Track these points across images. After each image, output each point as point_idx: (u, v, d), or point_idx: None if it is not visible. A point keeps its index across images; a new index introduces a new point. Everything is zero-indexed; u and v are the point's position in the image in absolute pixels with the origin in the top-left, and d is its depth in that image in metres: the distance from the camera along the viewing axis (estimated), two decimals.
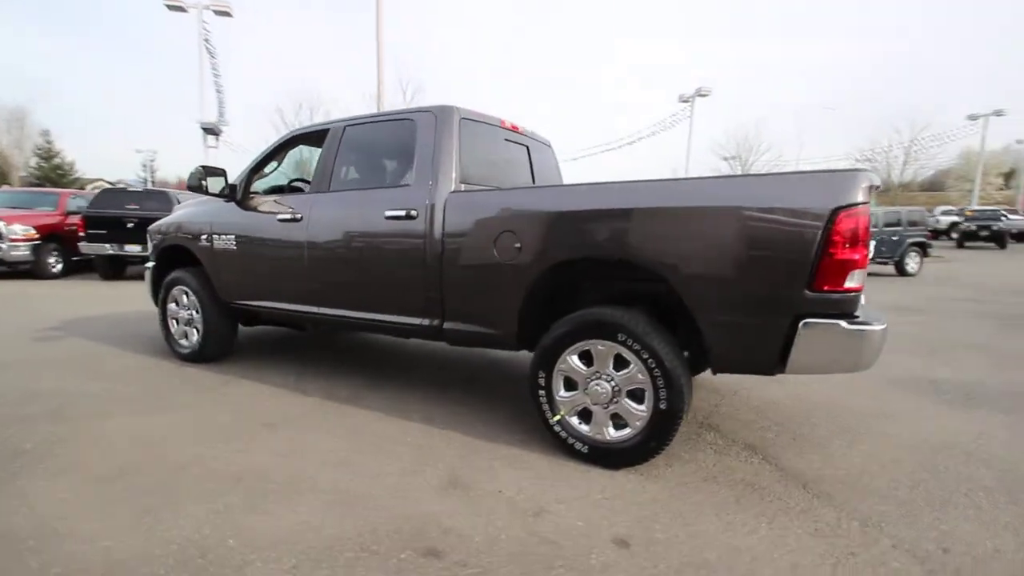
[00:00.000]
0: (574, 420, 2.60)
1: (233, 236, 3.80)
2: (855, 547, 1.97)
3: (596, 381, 2.51)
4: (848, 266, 2.01)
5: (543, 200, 2.68)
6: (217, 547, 1.90)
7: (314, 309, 3.52)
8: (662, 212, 2.31)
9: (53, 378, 3.75)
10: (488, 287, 2.80)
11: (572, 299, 2.86)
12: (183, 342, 4.28)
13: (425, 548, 1.91)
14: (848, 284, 2.02)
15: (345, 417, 3.13)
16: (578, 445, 2.57)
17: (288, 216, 3.52)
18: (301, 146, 4.04)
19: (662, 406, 2.34)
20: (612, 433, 2.51)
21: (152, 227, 4.55)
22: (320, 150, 4.16)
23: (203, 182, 3.63)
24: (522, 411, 3.22)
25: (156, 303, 4.50)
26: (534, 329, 2.79)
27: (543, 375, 2.63)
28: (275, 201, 3.70)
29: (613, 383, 2.47)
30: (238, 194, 3.79)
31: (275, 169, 3.99)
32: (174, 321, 4.34)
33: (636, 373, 2.41)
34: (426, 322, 3.06)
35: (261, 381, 3.77)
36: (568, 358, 2.57)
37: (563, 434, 2.60)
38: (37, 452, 2.62)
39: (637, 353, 2.37)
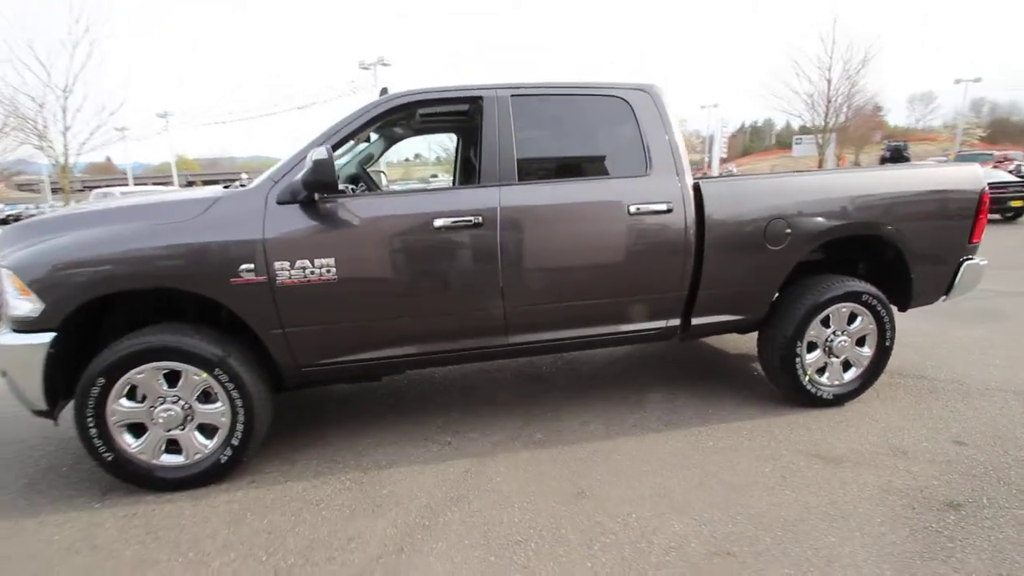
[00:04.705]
0: (815, 375, 3.06)
1: (331, 259, 2.37)
2: None
3: (836, 338, 3.02)
4: (983, 225, 3.16)
5: (816, 187, 2.91)
6: None
7: (497, 341, 2.67)
8: (907, 196, 2.97)
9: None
10: (753, 275, 2.87)
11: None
12: (168, 460, 2.43)
13: (941, 504, 2.18)
14: (982, 237, 3.18)
15: (617, 453, 2.66)
16: (825, 394, 3.06)
17: (460, 220, 2.47)
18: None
19: (887, 344, 3.08)
20: (846, 377, 3.11)
21: (27, 261, 2.23)
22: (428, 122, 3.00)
23: None
24: (707, 389, 3.41)
25: (51, 408, 2.34)
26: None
27: (799, 345, 2.97)
28: (406, 198, 2.49)
29: (847, 336, 3.05)
30: (324, 188, 2.35)
31: (352, 149, 2.61)
32: (125, 431, 2.38)
33: (867, 324, 3.05)
34: (666, 324, 2.86)
35: (419, 462, 2.62)
36: (816, 324, 2.99)
37: (812, 389, 3.03)
38: None
39: (873, 308, 3.01)
